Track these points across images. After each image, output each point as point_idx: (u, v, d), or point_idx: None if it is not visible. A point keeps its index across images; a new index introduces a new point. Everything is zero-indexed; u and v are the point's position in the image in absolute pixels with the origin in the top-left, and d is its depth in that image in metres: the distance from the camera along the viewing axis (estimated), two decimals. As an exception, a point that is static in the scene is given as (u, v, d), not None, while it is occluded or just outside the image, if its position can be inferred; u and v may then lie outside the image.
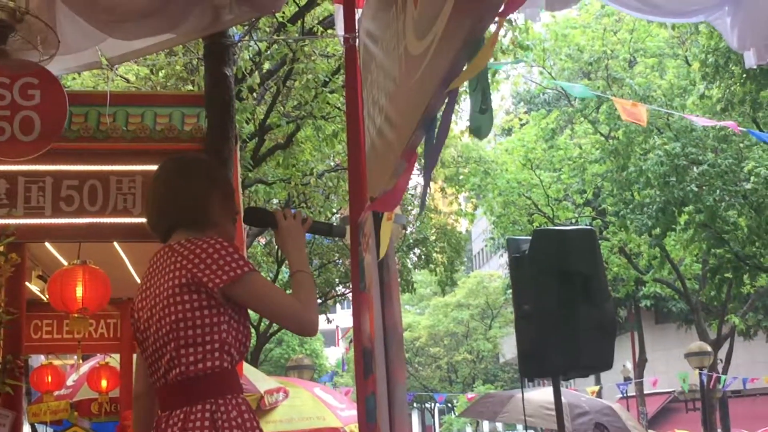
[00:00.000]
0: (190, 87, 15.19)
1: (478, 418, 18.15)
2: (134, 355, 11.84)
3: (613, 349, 5.38)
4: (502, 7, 3.08)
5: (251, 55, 14.26)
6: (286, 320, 3.62)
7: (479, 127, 3.83)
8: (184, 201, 3.72)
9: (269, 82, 15.77)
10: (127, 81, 16.62)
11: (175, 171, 3.82)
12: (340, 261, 25.75)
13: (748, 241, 23.34)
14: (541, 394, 13.36)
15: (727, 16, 5.31)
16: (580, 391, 17.89)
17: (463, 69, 3.65)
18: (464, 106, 22.92)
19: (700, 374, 25.11)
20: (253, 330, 26.96)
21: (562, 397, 14.40)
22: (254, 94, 15.14)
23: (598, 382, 35.33)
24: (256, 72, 14.50)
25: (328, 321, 30.91)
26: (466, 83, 3.82)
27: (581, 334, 5.17)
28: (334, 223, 4.24)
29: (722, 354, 29.51)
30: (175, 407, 3.51)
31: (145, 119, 7.75)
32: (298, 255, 3.85)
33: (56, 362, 13.55)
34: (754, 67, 5.71)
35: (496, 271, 56.48)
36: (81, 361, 14.34)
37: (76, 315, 8.57)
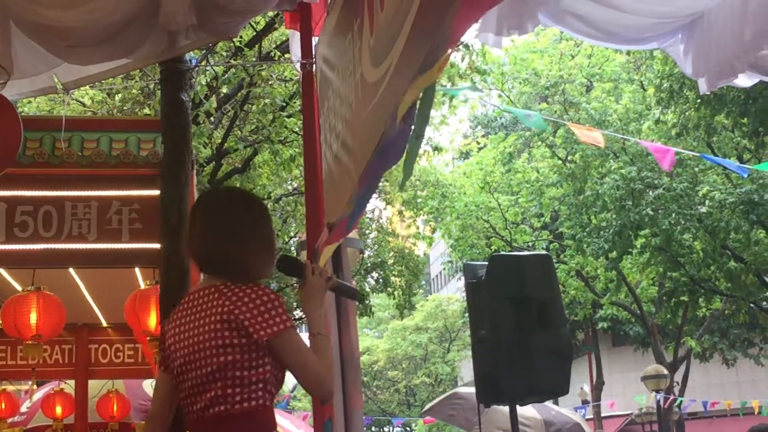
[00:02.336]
0: (146, 111, 15.12)
1: (448, 422, 17.78)
2: (90, 381, 11.73)
3: (570, 374, 5.40)
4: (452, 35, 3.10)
5: (208, 80, 14.23)
6: (311, 384, 3.72)
7: (408, 152, 3.89)
8: (229, 253, 3.76)
9: (226, 107, 15.73)
10: (83, 105, 16.52)
11: (221, 214, 3.83)
12: (298, 284, 25.65)
13: (703, 264, 23.53)
14: (519, 408, 13.19)
15: (680, 44, 5.36)
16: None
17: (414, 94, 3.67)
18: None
19: (657, 397, 25.21)
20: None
21: (538, 414, 14.36)
22: (211, 119, 15.09)
23: (555, 404, 35.37)
24: (213, 96, 14.45)
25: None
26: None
27: (537, 360, 5.18)
28: (351, 287, 4.29)
29: (678, 376, 29.67)
30: None
31: (101, 144, 7.71)
32: (318, 317, 3.91)
33: (10, 388, 13.39)
34: (708, 93, 5.77)
35: (454, 294, 56.52)
36: (35, 387, 14.19)
37: (30, 342, 8.48)
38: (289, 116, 15.12)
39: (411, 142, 3.87)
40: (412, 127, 3.59)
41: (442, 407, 15.42)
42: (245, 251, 3.76)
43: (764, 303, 26.13)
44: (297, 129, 15.28)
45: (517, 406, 11.64)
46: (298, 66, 6.61)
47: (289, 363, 3.68)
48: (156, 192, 7.14)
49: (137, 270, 8.73)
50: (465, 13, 2.96)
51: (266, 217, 3.93)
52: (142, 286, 8.60)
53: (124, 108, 15.63)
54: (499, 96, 28.68)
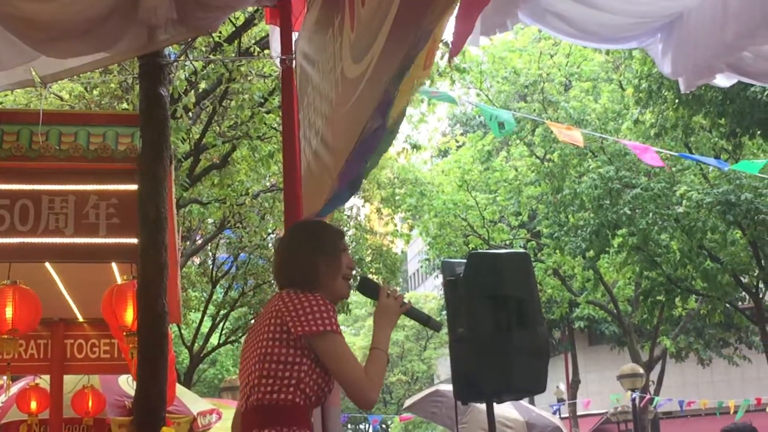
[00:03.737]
0: (125, 105, 15.06)
1: (430, 419, 17.71)
2: (65, 377, 11.68)
3: (547, 372, 5.40)
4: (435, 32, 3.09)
5: (187, 75, 14.18)
6: (350, 389, 3.94)
7: (386, 145, 3.97)
8: (295, 267, 4.15)
9: (205, 102, 15.68)
10: (61, 99, 16.44)
11: (290, 237, 4.32)
12: (275, 281, 25.61)
13: (680, 264, 23.61)
14: (499, 408, 13.17)
15: (659, 43, 5.36)
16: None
17: (395, 93, 3.66)
18: (401, 127, 22.96)
19: (632, 395, 25.29)
20: (185, 350, 26.77)
21: (520, 416, 14.34)
22: (190, 114, 15.05)
23: (531, 403, 35.43)
24: (192, 91, 14.41)
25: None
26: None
27: (515, 358, 5.17)
28: (431, 317, 4.47)
29: (654, 376, 29.77)
30: (249, 430, 3.93)
31: (79, 138, 7.66)
32: (383, 334, 4.14)
33: (-16, 383, 13.32)
34: (686, 93, 5.78)
35: (431, 292, 56.57)
36: (10, 382, 14.11)
37: (5, 336, 8.43)
38: (268, 112, 15.09)
39: (386, 135, 3.89)
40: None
41: (424, 404, 15.38)
42: (308, 263, 4.09)
43: (740, 303, 26.27)
44: (276, 125, 15.25)
45: (500, 408, 11.67)
46: (277, 62, 6.59)
47: (329, 366, 3.93)
48: (134, 187, 7.11)
49: (114, 265, 8.69)
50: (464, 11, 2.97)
51: (329, 236, 4.25)
52: (119, 281, 8.56)
53: (102, 102, 15.56)
54: (478, 95, 28.68)
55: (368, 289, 4.29)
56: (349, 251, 4.32)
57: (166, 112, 6.93)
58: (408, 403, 16.31)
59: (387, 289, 4.23)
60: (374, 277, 26.72)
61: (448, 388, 14.25)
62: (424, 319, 4.38)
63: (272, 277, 25.49)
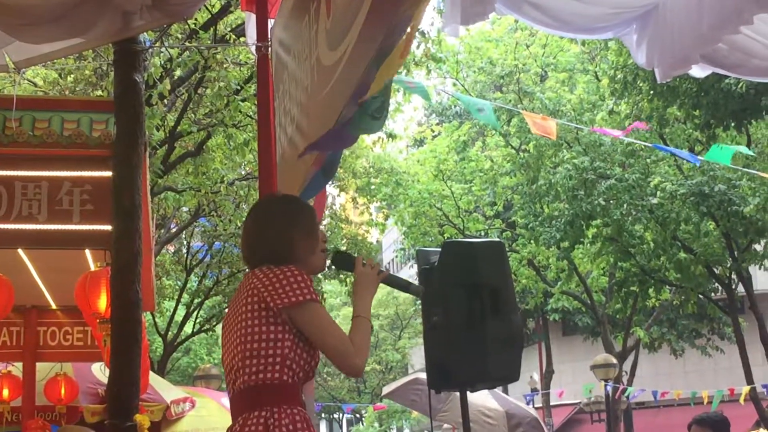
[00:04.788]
0: (99, 92, 15.00)
1: (409, 407, 17.67)
2: (38, 364, 11.63)
3: (520, 361, 5.41)
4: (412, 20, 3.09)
5: (162, 62, 14.13)
6: (335, 357, 3.90)
7: (366, 129, 3.97)
8: (269, 242, 4.06)
9: (180, 89, 15.62)
10: (35, 85, 16.36)
11: (262, 212, 4.20)
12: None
13: (654, 255, 23.70)
14: (479, 398, 13.17)
15: (634, 34, 5.38)
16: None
17: (374, 79, 3.65)
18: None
19: (606, 386, 25.39)
20: (159, 339, 26.70)
21: (500, 406, 14.36)
22: (165, 101, 14.98)
23: (505, 393, 35.54)
24: (167, 78, 14.35)
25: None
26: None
27: (489, 346, 5.18)
28: (411, 282, 4.43)
29: (627, 366, 29.89)
30: (239, 413, 3.87)
31: (53, 124, 7.63)
32: (363, 302, 4.09)
33: (-43, 370, 13.25)
34: (661, 83, 5.80)
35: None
36: (-17, 370, 14.05)
37: (-23, 322, 8.39)
38: (243, 100, 15.05)
39: (365, 119, 3.89)
40: (376, 108, 3.59)
41: (404, 392, 15.34)
42: (285, 239, 4.03)
43: (713, 294, 26.39)
44: (251, 113, 15.22)
45: (479, 398, 11.72)
46: (253, 49, 6.57)
47: (312, 336, 3.88)
48: (108, 173, 7.08)
49: (88, 252, 8.66)
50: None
51: (303, 210, 4.18)
52: (93, 268, 8.53)
53: (77, 89, 15.49)
54: (454, 85, 28.69)
55: (343, 261, 4.27)
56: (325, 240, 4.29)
57: (141, 98, 6.91)
58: (386, 390, 16.28)
59: (362, 258, 4.19)
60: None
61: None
62: (404, 285, 4.34)
63: (247, 266, 25.47)
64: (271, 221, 4.10)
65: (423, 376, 15.32)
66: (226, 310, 18.25)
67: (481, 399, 13.22)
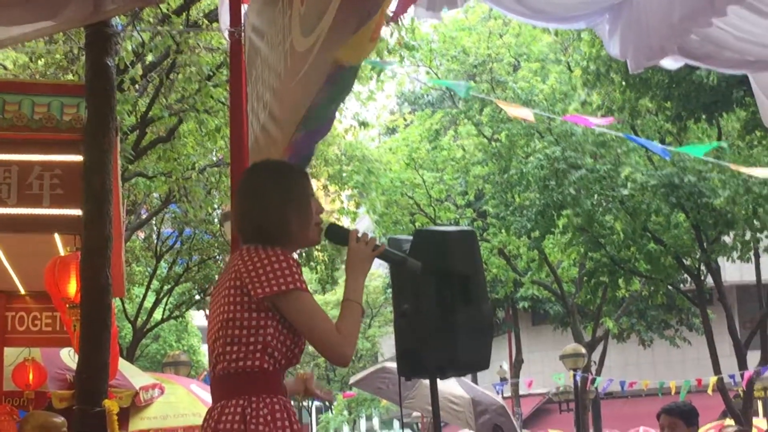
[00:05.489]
0: (70, 76, 14.90)
1: (377, 395, 17.69)
2: (6, 349, 11.54)
3: (490, 349, 5.41)
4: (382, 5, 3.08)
5: (134, 46, 14.05)
6: (322, 348, 3.79)
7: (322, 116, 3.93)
8: (259, 219, 3.89)
9: (152, 74, 15.55)
10: (5, 68, 16.24)
11: (251, 184, 4.00)
12: (221, 257, 25.56)
13: (624, 245, 23.81)
14: (445, 385, 13.16)
15: (606, 24, 5.39)
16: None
17: (347, 64, 3.65)
18: (348, 104, 23.00)
19: (575, 375, 25.50)
20: (129, 325, 26.62)
21: (466, 393, 14.42)
22: (136, 86, 14.92)
23: (475, 381, 35.65)
24: (139, 63, 14.28)
25: (207, 317, 30.59)
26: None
27: (459, 334, 5.18)
28: (408, 258, 4.31)
29: (596, 356, 30.04)
30: (218, 399, 3.79)
31: (23, 107, 7.58)
32: (355, 283, 3.97)
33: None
34: (634, 74, 5.81)
35: (376, 270, 56.61)
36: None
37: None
38: (215, 86, 15.01)
39: (324, 104, 3.88)
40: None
41: (371, 380, 15.36)
42: (279, 216, 3.86)
43: (682, 285, 26.54)
44: (223, 99, 15.18)
45: (446, 386, 11.73)
46: (226, 34, 6.54)
47: (297, 325, 3.77)
48: (78, 158, 7.04)
49: (57, 236, 8.61)
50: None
51: (297, 182, 4.00)
52: (62, 252, 8.48)
53: (47, 73, 15.38)
54: (427, 73, 28.68)
55: (337, 235, 4.09)
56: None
57: (113, 82, 6.87)
58: (354, 379, 16.30)
59: (357, 233, 4.02)
60: (319, 255, 26.71)
61: (395, 365, 14.28)
62: (400, 261, 4.23)
63: (218, 253, 25.50)
64: (261, 196, 3.93)
65: (390, 364, 15.40)
66: (196, 297, 18.23)
67: (448, 386, 13.25)
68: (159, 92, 15.80)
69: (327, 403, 56.85)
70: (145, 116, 15.72)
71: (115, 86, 7.00)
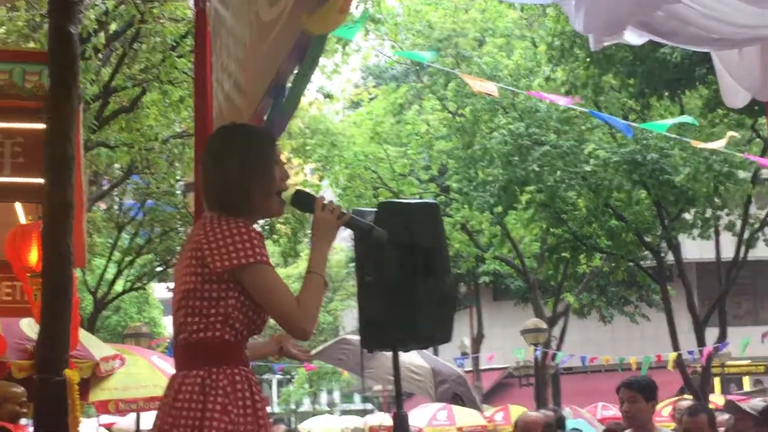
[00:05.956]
0: (32, 44, 14.75)
1: (337, 366, 17.77)
2: None
3: (453, 322, 5.43)
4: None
5: (97, 15, 13.93)
6: (281, 321, 3.73)
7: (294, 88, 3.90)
8: (220, 189, 3.83)
9: (115, 44, 15.43)
10: (-34, 36, 16.06)
11: (213, 150, 3.92)
12: (183, 229, 25.47)
13: (586, 221, 23.97)
14: (406, 355, 13.22)
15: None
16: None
17: (314, 36, 3.64)
18: (313, 77, 22.90)
19: (535, 350, 25.65)
20: (89, 296, 26.50)
21: (426, 363, 14.50)
22: (99, 55, 14.80)
23: (436, 354, 35.80)
24: (102, 32, 14.17)
25: (169, 290, 30.51)
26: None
27: (421, 307, 5.19)
28: (374, 226, 4.20)
29: (557, 332, 30.24)
30: (180, 369, 3.77)
31: (-16, 75, 7.49)
32: (319, 253, 3.89)
33: None
34: (597, 50, 5.82)
35: (339, 243, 56.66)
36: None
37: None
38: (179, 57, 14.92)
39: (298, 79, 3.86)
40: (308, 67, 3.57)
41: (332, 351, 15.41)
42: (239, 186, 3.79)
43: (642, 262, 26.74)
44: (187, 70, 15.09)
45: (406, 356, 11.77)
46: (191, 3, 6.49)
47: (258, 298, 3.72)
48: (40, 125, 6.97)
49: (19, 205, 8.54)
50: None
51: (260, 147, 3.90)
52: (24, 221, 8.42)
53: (9, 41, 15.22)
54: (392, 47, 28.63)
55: (303, 202, 4.00)
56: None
57: (76, 50, 6.79)
58: (314, 351, 16.34)
59: (323, 200, 3.92)
60: (282, 228, 26.67)
61: (355, 337, 14.33)
62: (367, 229, 4.14)
63: (180, 225, 25.40)
64: (221, 162, 3.86)
65: (351, 337, 15.48)
66: (158, 269, 18.17)
67: (408, 356, 13.29)
68: (122, 62, 15.69)
69: (288, 376, 56.93)
70: (107, 86, 15.61)
71: (79, 54, 6.93)
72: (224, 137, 3.99)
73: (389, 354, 5.60)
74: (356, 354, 13.36)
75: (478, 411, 23.58)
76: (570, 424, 16.21)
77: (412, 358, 14.10)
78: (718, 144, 13.70)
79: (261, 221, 4.55)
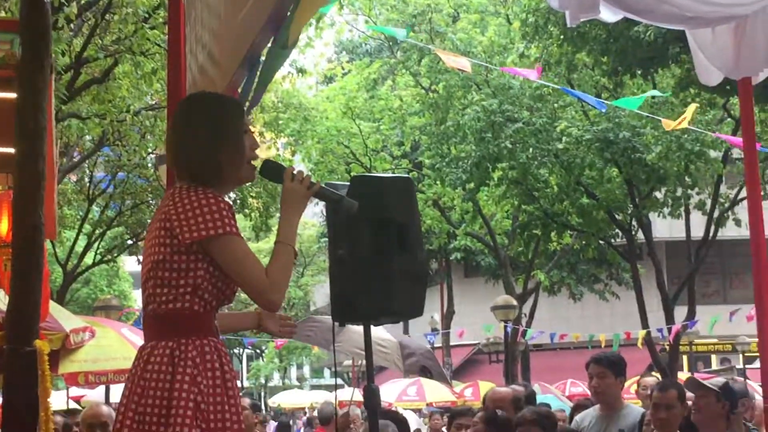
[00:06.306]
0: (3, 13, 14.62)
1: (306, 342, 17.85)
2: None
3: (424, 297, 5.44)
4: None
5: (70, -16, 13.81)
6: (250, 293, 3.73)
7: (274, 63, 3.87)
8: (189, 160, 3.79)
9: (87, 14, 15.31)
10: (-65, 4, 15.90)
11: (182, 120, 3.89)
12: (154, 202, 25.39)
13: (557, 199, 24.03)
14: (374, 329, 13.26)
15: (549, -25, 5.39)
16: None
17: (290, 8, 3.63)
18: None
19: (505, 327, 25.75)
20: (59, 268, 26.40)
21: (393, 337, 14.57)
22: (71, 25, 14.67)
23: (406, 331, 35.91)
24: (74, 2, 14.04)
25: (139, 262, 30.42)
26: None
27: (394, 281, 5.20)
28: (344, 196, 4.20)
29: (527, 309, 30.36)
30: (149, 340, 3.78)
31: (-46, 43, 7.41)
32: (288, 223, 3.87)
33: None
34: (572, 26, 5.83)
35: (310, 219, 56.63)
36: None
37: None
38: (152, 28, 14.81)
39: (276, 50, 3.84)
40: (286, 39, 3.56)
41: (300, 329, 15.44)
42: (208, 157, 3.77)
43: (613, 240, 26.86)
44: (159, 41, 14.99)
45: (374, 330, 11.79)
46: (165, -26, 6.45)
47: (226, 269, 3.71)
48: (12, 95, 6.91)
49: (-12, 175, 8.48)
50: None
51: (229, 116, 3.87)
52: (-7, 191, 8.37)
53: (-21, 9, 15.09)
54: (366, 22, 28.57)
55: (272, 172, 3.99)
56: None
57: (48, 19, 6.72)
58: None
59: (292, 170, 3.90)
60: (253, 203, 26.61)
61: (323, 317, 14.44)
62: (336, 200, 4.13)
63: (151, 197, 25.31)
64: (190, 131, 3.84)
65: (318, 316, 15.54)
66: (129, 242, 18.09)
67: (375, 330, 13.35)
68: (94, 32, 15.57)
69: (258, 351, 56.96)
70: (79, 56, 15.48)
71: (51, 23, 6.87)
72: (194, 106, 3.95)
73: (357, 328, 5.60)
74: (323, 329, 13.42)
75: (447, 384, 23.72)
76: (538, 399, 16.32)
77: (379, 332, 14.16)
78: (684, 122, 13.77)
79: (232, 194, 4.51)
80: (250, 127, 4.00)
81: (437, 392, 24.54)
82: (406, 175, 7.10)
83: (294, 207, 3.89)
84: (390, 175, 5.06)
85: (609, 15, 5.60)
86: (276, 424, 27.26)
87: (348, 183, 5.42)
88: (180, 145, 3.84)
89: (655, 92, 15.60)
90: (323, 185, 4.07)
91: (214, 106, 3.91)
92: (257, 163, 4.01)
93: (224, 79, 4.70)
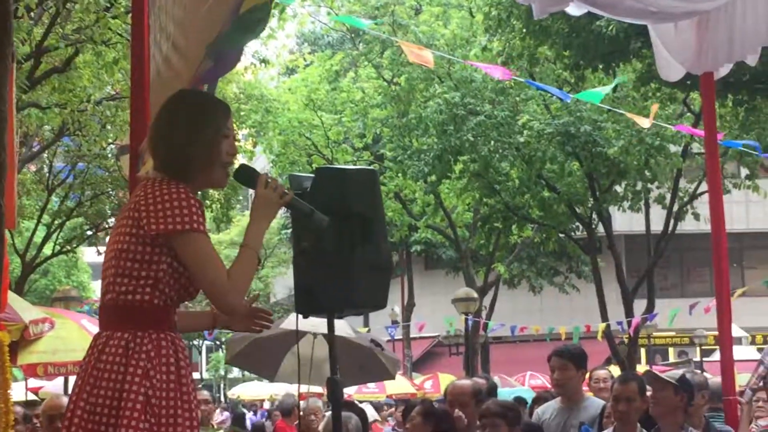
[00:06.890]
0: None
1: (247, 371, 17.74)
2: None
3: (388, 289, 5.44)
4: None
5: (30, -28, 13.68)
6: (208, 293, 3.71)
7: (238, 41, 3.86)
8: (164, 152, 3.80)
9: (48, 2, 15.18)
10: None
11: (166, 113, 3.89)
12: (114, 192, 25.24)
13: (518, 192, 24.11)
14: (322, 322, 13.19)
15: (515, -32, 5.41)
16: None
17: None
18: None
19: (466, 319, 25.82)
20: (18, 259, 26.19)
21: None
22: (31, 14, 14.54)
23: (366, 324, 35.95)
24: (36, -9, 13.92)
25: (99, 253, 30.26)
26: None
27: (358, 273, 5.20)
28: (315, 210, 4.23)
29: (487, 301, 30.46)
30: (104, 328, 3.74)
31: None
32: (256, 229, 3.87)
33: None
34: (536, 19, 5.84)
35: (271, 210, 56.42)
36: None
37: None
38: (114, 17, 14.69)
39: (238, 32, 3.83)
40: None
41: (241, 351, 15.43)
42: (182, 154, 3.76)
43: (573, 233, 26.99)
44: (121, 31, 14.88)
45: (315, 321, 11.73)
46: (129, -37, 6.41)
47: (188, 267, 3.69)
48: (-28, 84, 6.85)
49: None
50: None
51: (212, 115, 3.87)
52: (-47, 181, 8.29)
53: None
54: (329, 13, 28.52)
55: (246, 177, 3.99)
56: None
57: (9, 7, 6.65)
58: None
59: (266, 177, 3.91)
60: (214, 194, 26.53)
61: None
62: (307, 212, 4.16)
63: (111, 188, 25.15)
64: (170, 127, 3.84)
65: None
66: (88, 232, 17.95)
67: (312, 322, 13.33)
68: (55, 21, 15.44)
69: (218, 342, 56.75)
70: (40, 45, 15.35)
71: (12, 10, 6.80)
72: (179, 101, 3.96)
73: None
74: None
75: (397, 365, 23.72)
76: (506, 393, 16.41)
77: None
78: (646, 121, 13.86)
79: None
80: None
81: (397, 385, 24.56)
82: (371, 167, 7.10)
83: (264, 214, 3.90)
84: (354, 167, 5.06)
85: (573, 9, 5.63)
86: (231, 414, 27.15)
87: (312, 175, 5.42)
88: (159, 137, 3.86)
89: (621, 79, 15.64)
90: (295, 196, 4.09)
91: (200, 102, 3.95)
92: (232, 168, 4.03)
93: (189, 70, 4.68)
